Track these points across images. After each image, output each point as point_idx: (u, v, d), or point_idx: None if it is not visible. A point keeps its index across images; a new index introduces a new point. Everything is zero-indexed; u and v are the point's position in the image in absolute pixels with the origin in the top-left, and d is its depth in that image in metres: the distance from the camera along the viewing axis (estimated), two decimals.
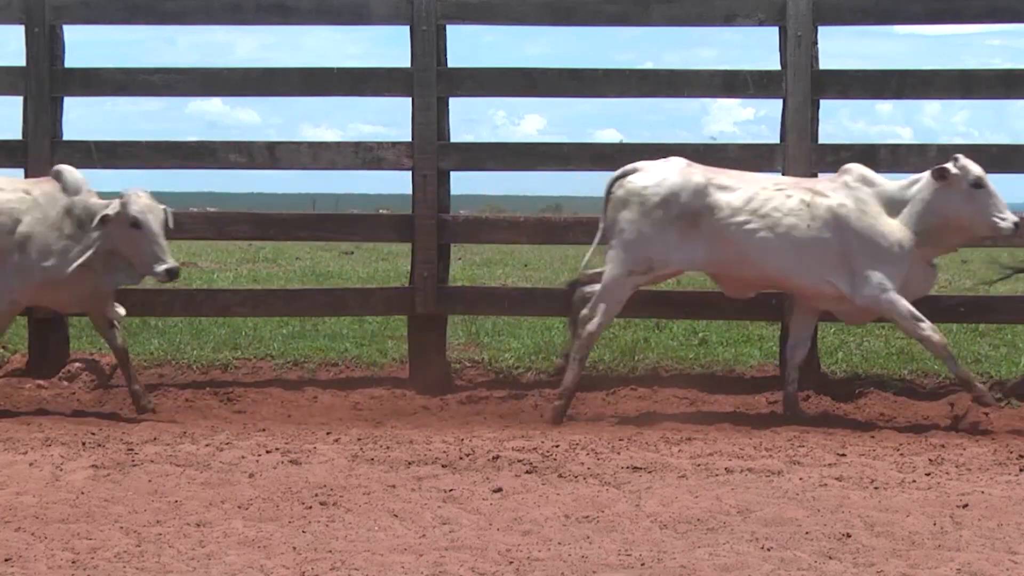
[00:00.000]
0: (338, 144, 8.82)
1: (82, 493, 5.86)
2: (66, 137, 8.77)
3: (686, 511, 5.58)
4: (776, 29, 8.42)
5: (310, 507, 5.65)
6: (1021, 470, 6.42)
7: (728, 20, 8.47)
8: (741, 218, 7.60)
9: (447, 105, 8.62)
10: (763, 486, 6.02)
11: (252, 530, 5.28)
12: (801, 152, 8.33)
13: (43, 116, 8.66)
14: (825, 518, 5.49)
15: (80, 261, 7.58)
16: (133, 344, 9.32)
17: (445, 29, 8.57)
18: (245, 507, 5.64)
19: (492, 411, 8.05)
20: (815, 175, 8.36)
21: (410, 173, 8.57)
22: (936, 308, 8.57)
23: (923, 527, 5.38)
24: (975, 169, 7.53)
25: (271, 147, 8.72)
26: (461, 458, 6.54)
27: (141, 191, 7.59)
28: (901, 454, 6.78)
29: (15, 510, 5.57)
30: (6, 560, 4.90)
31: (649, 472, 6.31)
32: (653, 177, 7.68)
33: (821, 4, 8.35)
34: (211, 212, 9.93)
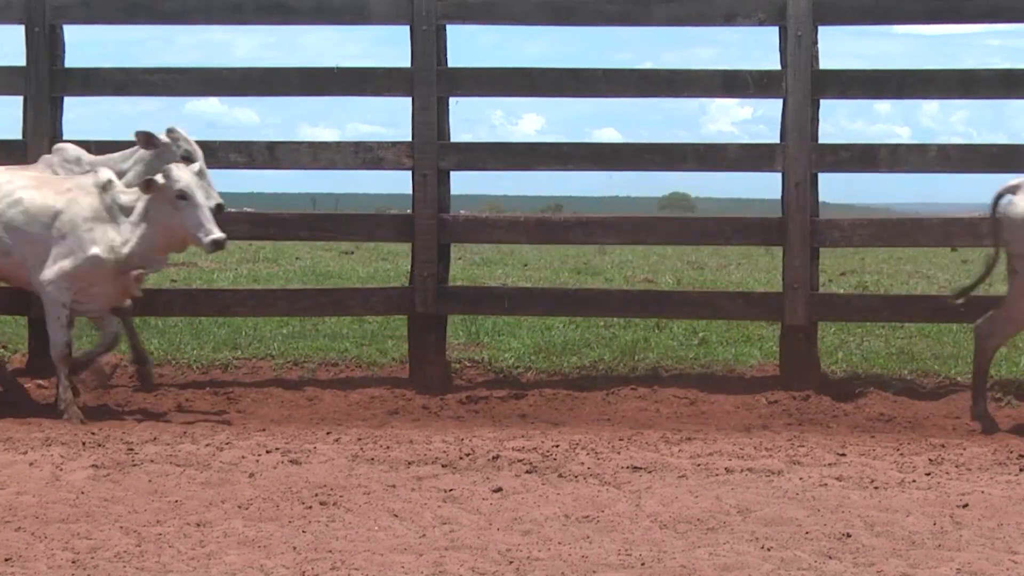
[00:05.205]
0: (338, 144, 8.81)
1: (82, 493, 5.86)
2: (66, 137, 8.77)
3: (686, 511, 5.58)
4: (776, 29, 8.41)
5: (310, 507, 5.65)
6: (1021, 470, 6.43)
7: (728, 20, 8.46)
8: None
9: (447, 105, 8.61)
10: (763, 486, 6.02)
11: (252, 530, 5.28)
12: (801, 152, 8.33)
13: (43, 116, 8.65)
14: (825, 518, 5.49)
15: None
16: None
17: (445, 29, 8.57)
18: (245, 507, 5.65)
19: (492, 411, 8.05)
20: (814, 175, 8.37)
21: (410, 173, 8.57)
22: (936, 308, 8.58)
23: (923, 527, 5.38)
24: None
25: (271, 147, 8.71)
26: (461, 458, 6.54)
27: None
28: (901, 454, 6.78)
29: (15, 510, 5.57)
30: (6, 560, 4.90)
31: (649, 472, 6.31)
32: None
33: (821, 4, 8.34)
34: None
